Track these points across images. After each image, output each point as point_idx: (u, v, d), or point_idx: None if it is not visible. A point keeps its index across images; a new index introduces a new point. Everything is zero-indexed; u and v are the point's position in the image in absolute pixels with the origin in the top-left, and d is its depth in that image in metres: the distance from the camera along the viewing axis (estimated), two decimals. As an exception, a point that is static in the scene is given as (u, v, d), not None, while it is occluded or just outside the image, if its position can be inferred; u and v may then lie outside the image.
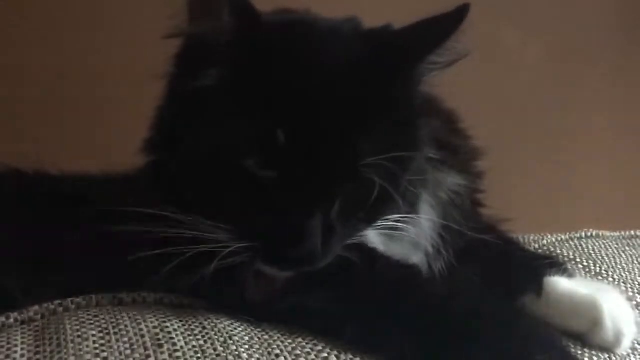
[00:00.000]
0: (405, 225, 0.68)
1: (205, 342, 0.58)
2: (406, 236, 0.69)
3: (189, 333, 0.59)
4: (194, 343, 0.57)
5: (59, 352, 0.55)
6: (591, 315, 0.67)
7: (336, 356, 0.59)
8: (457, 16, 0.63)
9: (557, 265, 0.74)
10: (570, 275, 0.74)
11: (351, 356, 0.60)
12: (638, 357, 0.70)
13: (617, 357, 0.68)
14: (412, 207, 0.69)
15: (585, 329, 0.68)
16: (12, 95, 1.16)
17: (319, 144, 0.60)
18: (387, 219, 0.66)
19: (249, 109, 0.60)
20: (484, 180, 0.77)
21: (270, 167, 0.60)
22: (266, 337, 0.60)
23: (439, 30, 0.64)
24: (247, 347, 0.58)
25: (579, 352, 0.67)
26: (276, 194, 0.60)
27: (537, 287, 0.70)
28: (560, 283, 0.71)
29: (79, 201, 0.74)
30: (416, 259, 0.70)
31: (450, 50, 0.64)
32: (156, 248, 0.59)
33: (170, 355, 0.56)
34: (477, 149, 0.77)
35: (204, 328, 0.60)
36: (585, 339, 0.68)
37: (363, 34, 0.68)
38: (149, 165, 0.68)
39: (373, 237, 0.68)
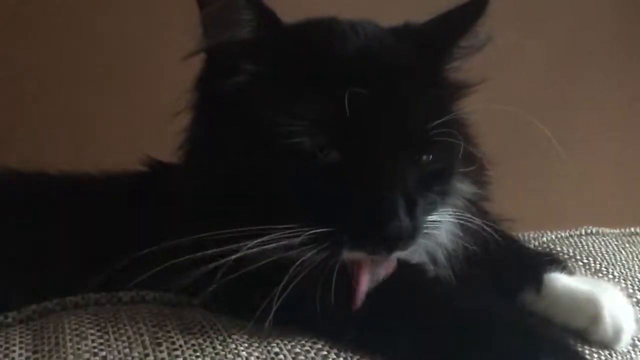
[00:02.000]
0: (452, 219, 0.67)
1: (204, 340, 0.58)
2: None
3: (187, 332, 0.58)
4: (193, 342, 0.57)
5: (57, 351, 0.55)
6: (590, 311, 0.67)
7: (335, 354, 0.59)
8: (481, 2, 0.65)
9: (556, 262, 0.74)
10: (569, 272, 0.74)
11: (351, 354, 0.59)
12: (639, 353, 0.70)
13: (618, 353, 0.68)
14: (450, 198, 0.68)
15: (584, 325, 0.68)
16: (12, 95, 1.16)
17: (383, 115, 0.59)
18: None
19: (302, 92, 0.59)
20: (490, 188, 0.76)
21: (338, 147, 0.58)
22: (265, 335, 0.59)
23: (465, 16, 0.66)
24: (246, 345, 0.58)
25: (579, 349, 0.67)
26: (350, 173, 0.58)
27: (537, 283, 0.70)
28: (559, 280, 0.71)
29: (83, 202, 0.74)
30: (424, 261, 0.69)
31: (476, 35, 0.66)
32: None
33: (169, 354, 0.55)
34: (487, 158, 0.76)
35: (203, 327, 0.60)
36: (584, 335, 0.68)
37: (388, 28, 0.68)
38: (190, 192, 0.64)
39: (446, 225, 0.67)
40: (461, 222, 0.67)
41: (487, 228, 0.67)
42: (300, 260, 0.57)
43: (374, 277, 0.61)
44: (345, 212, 0.58)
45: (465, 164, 0.70)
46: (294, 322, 0.59)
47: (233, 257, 0.56)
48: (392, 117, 0.59)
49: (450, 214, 0.66)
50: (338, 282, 0.57)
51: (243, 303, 0.59)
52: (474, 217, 0.67)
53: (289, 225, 0.57)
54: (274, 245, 0.57)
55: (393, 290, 0.61)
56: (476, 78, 0.69)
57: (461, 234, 0.68)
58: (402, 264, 0.64)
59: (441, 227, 0.66)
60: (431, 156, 0.62)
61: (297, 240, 0.57)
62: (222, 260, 0.56)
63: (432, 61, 0.65)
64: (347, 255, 0.59)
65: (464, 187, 0.71)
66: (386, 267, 0.62)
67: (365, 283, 0.60)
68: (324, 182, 0.58)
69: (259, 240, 0.56)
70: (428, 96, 0.62)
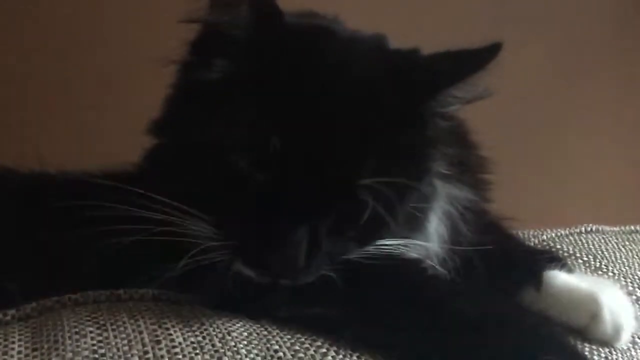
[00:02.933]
0: (403, 251, 0.65)
1: (204, 338, 0.58)
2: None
3: (187, 329, 0.58)
4: (192, 339, 0.57)
5: (57, 349, 0.55)
6: (590, 309, 0.67)
7: (335, 351, 0.59)
8: (487, 53, 0.61)
9: (556, 260, 0.74)
10: (569, 269, 0.74)
11: (350, 352, 0.59)
12: (639, 350, 0.70)
13: (617, 351, 0.68)
14: (416, 232, 0.67)
15: (584, 323, 0.68)
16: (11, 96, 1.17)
17: (316, 156, 0.58)
18: (381, 245, 0.64)
19: (250, 107, 0.59)
20: (491, 190, 0.75)
21: (262, 170, 0.58)
22: (265, 332, 0.60)
23: (466, 63, 0.62)
24: (245, 342, 0.58)
25: (579, 347, 0.67)
26: (265, 196, 0.58)
27: (536, 282, 0.70)
28: (559, 277, 0.71)
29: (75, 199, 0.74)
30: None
31: (473, 87, 0.62)
32: (135, 231, 0.58)
33: (168, 352, 0.55)
34: (486, 161, 0.75)
35: (202, 324, 0.59)
36: (584, 333, 0.68)
37: (386, 52, 0.66)
38: (152, 149, 0.68)
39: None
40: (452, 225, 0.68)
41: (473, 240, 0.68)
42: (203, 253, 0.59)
43: None
44: (247, 231, 0.59)
45: (461, 168, 0.70)
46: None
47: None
48: (324, 163, 0.58)
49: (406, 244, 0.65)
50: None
51: (147, 265, 0.61)
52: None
53: (204, 217, 0.60)
54: (189, 230, 0.60)
55: (391, 287, 0.61)
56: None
57: (452, 248, 0.68)
58: (400, 260, 0.64)
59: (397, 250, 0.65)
60: (356, 207, 0.60)
61: (203, 240, 0.60)
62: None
63: (411, 103, 0.62)
64: (239, 268, 0.60)
65: (458, 192, 0.70)
66: None
67: None
68: (241, 197, 0.59)
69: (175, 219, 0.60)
70: (379, 147, 0.60)
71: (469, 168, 0.73)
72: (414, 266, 0.65)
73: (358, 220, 0.61)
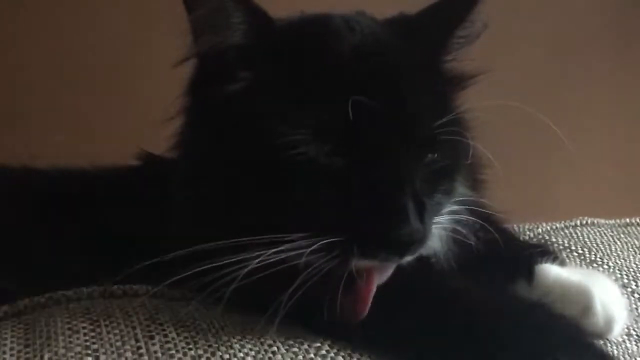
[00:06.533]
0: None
1: (197, 333, 0.57)
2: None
3: (180, 325, 0.58)
4: (186, 334, 0.57)
5: (49, 345, 0.55)
6: (582, 301, 0.67)
7: (329, 345, 0.59)
8: None
9: (548, 254, 0.74)
10: (561, 263, 0.74)
11: (343, 345, 0.59)
12: (633, 342, 0.70)
13: (612, 343, 0.68)
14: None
15: (575, 316, 0.67)
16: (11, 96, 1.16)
17: (386, 117, 0.57)
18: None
19: (301, 99, 0.57)
20: (486, 190, 0.75)
21: (342, 154, 0.56)
22: (258, 327, 0.59)
23: (460, 4, 0.65)
24: (239, 337, 0.58)
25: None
26: (356, 178, 0.56)
27: (528, 275, 0.70)
28: (551, 270, 0.70)
29: (85, 201, 0.73)
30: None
31: (473, 23, 0.64)
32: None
33: (161, 347, 0.55)
34: (482, 160, 0.74)
35: (196, 320, 0.59)
36: (577, 326, 0.68)
37: (383, 21, 0.67)
38: (186, 207, 0.63)
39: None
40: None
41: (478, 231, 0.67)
42: (310, 268, 0.55)
43: (381, 279, 0.60)
44: (353, 220, 0.56)
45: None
46: (301, 328, 0.59)
47: (249, 266, 0.55)
48: (395, 118, 0.58)
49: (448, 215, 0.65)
50: (346, 288, 0.56)
51: (252, 307, 0.58)
52: (468, 218, 0.66)
53: (297, 235, 0.55)
54: (283, 256, 0.55)
55: (403, 286, 0.60)
56: (475, 69, 0.67)
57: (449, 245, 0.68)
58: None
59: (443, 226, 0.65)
60: (436, 154, 0.61)
61: (305, 251, 0.55)
62: (235, 267, 0.55)
63: (431, 54, 0.64)
64: (357, 263, 0.57)
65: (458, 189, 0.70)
66: (392, 267, 0.61)
67: (374, 288, 0.58)
68: (330, 190, 0.57)
69: (273, 251, 0.55)
70: (429, 93, 0.61)
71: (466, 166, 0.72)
72: (422, 263, 0.64)
73: (441, 169, 0.61)
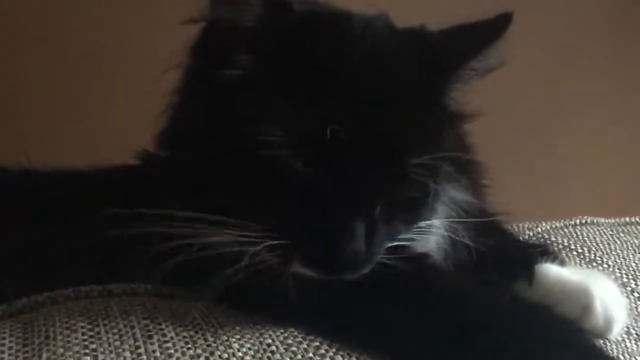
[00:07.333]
0: (426, 234, 0.65)
1: (196, 332, 0.57)
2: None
3: (179, 324, 0.58)
4: (184, 334, 0.57)
5: (48, 344, 0.55)
6: (581, 301, 0.67)
7: (328, 344, 0.59)
8: (501, 23, 0.62)
9: (548, 253, 0.74)
10: (561, 262, 0.73)
11: (343, 345, 0.59)
12: (632, 341, 0.70)
13: (612, 342, 0.68)
14: (432, 216, 0.66)
15: (575, 315, 0.67)
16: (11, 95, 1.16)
17: (367, 141, 0.57)
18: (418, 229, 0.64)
19: (292, 99, 0.57)
20: (488, 194, 0.75)
21: (313, 163, 0.57)
22: (258, 326, 0.59)
23: (481, 35, 0.63)
24: (238, 337, 0.57)
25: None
26: (319, 190, 0.57)
27: (529, 275, 0.69)
28: (551, 270, 0.70)
29: (80, 199, 0.73)
30: None
31: (488, 58, 0.63)
32: (173, 249, 0.56)
33: (160, 346, 0.55)
34: (483, 165, 0.75)
35: (194, 318, 0.59)
36: (576, 325, 0.68)
37: (400, 31, 0.65)
38: (164, 161, 0.65)
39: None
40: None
41: (471, 244, 0.67)
42: (256, 258, 0.57)
43: None
44: (303, 229, 0.57)
45: (458, 171, 0.69)
46: (249, 307, 0.60)
47: (199, 241, 0.57)
48: (372, 148, 0.57)
49: (436, 227, 0.66)
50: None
51: (198, 281, 0.59)
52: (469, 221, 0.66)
53: (249, 223, 0.57)
54: (232, 239, 0.57)
55: (402, 286, 0.60)
56: (475, 108, 0.66)
57: (448, 249, 0.68)
58: (408, 254, 0.63)
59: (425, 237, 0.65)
60: (404, 188, 0.60)
61: (253, 246, 0.57)
62: (184, 242, 0.57)
63: (437, 80, 0.62)
64: (297, 269, 0.58)
65: (456, 194, 0.70)
66: None
67: None
68: (291, 195, 0.57)
69: (226, 232, 0.57)
70: (419, 126, 0.60)
71: (468, 170, 0.72)
72: (421, 259, 0.65)
73: (406, 201, 0.61)
